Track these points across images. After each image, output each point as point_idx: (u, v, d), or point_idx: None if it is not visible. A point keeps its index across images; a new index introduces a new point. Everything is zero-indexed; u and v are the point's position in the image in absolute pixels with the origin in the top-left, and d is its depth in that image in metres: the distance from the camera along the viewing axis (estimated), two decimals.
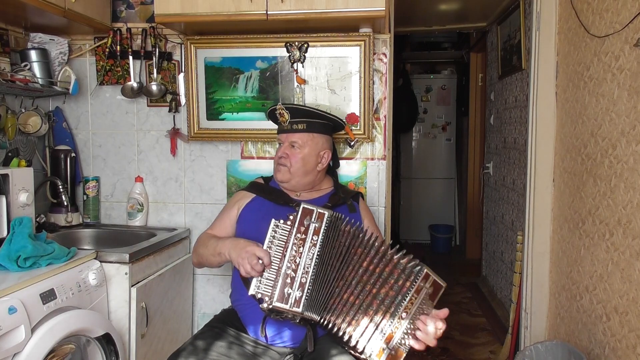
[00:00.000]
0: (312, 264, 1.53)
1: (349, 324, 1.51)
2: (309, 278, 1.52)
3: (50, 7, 1.94)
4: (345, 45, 2.25)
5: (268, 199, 1.87)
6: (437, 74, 6.03)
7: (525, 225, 2.69)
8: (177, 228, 2.40)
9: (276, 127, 2.33)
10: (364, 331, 1.50)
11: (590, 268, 2.11)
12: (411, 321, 1.48)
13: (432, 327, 1.46)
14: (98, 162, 2.51)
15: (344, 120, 2.14)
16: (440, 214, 5.95)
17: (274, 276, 1.54)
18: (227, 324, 1.77)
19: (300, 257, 1.54)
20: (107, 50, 2.40)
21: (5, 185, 1.82)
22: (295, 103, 2.09)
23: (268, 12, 2.01)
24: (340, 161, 2.36)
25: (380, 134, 2.35)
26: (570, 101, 2.35)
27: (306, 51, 2.28)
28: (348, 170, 2.36)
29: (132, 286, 1.91)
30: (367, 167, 2.36)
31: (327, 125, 1.93)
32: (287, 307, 1.51)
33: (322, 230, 1.56)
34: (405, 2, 3.10)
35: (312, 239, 1.55)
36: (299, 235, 1.56)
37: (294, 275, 1.53)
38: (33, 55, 2.17)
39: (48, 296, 1.58)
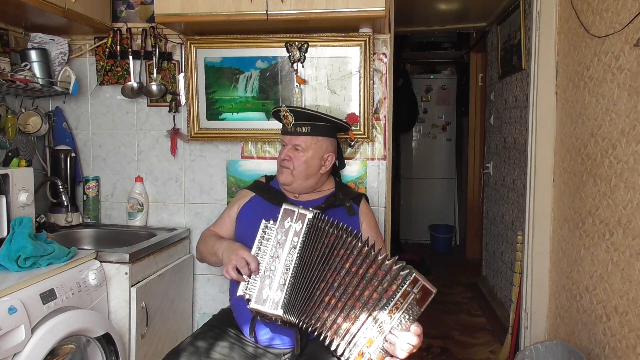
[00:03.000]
0: (292, 266, 1.52)
1: (330, 327, 1.49)
2: (287, 280, 1.51)
3: (50, 7, 1.94)
4: (345, 45, 2.25)
5: (265, 198, 1.88)
6: (437, 74, 6.03)
7: (525, 225, 2.69)
8: (177, 228, 2.40)
9: (275, 126, 2.35)
10: (345, 335, 1.47)
11: (590, 268, 2.11)
12: (394, 327, 1.44)
13: (402, 341, 1.43)
14: (98, 162, 2.51)
15: (348, 123, 2.12)
16: (440, 214, 5.95)
17: (259, 278, 1.54)
18: (226, 324, 1.77)
19: (279, 259, 1.53)
20: (107, 50, 2.40)
21: (5, 185, 1.82)
22: (299, 106, 2.06)
23: (268, 12, 2.01)
24: None
25: (380, 134, 2.35)
26: (570, 101, 2.35)
27: (306, 51, 2.28)
28: (348, 170, 2.36)
29: (132, 286, 1.91)
30: (367, 167, 2.36)
31: (332, 127, 1.92)
32: (264, 309, 1.50)
33: (302, 232, 1.54)
34: (405, 2, 3.10)
35: (292, 240, 1.54)
36: (279, 237, 1.55)
37: (273, 277, 1.52)
38: (33, 55, 2.17)
39: (48, 296, 1.58)
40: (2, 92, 2.15)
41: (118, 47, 2.36)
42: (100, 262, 1.87)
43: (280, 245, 1.55)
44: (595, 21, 2.07)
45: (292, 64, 2.29)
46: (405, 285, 1.45)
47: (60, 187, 2.26)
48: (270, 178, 2.01)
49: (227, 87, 2.35)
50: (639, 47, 1.73)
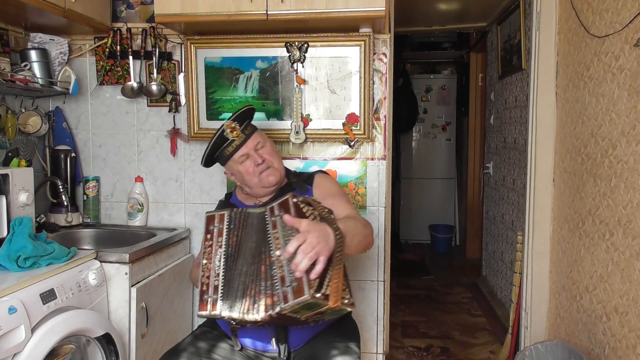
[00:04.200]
0: (221, 265, 1.51)
1: (253, 306, 1.42)
2: (220, 280, 1.50)
3: (50, 7, 1.94)
4: (345, 45, 2.25)
5: None
6: (437, 74, 6.03)
7: (525, 225, 2.69)
8: (177, 228, 2.40)
9: (275, 126, 2.35)
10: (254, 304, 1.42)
11: (590, 268, 2.12)
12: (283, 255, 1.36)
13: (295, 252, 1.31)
14: (98, 162, 2.51)
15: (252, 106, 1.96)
16: (440, 214, 5.95)
17: (200, 286, 1.54)
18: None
19: (211, 264, 1.53)
20: (107, 50, 2.40)
21: (5, 185, 1.82)
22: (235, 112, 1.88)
23: (268, 12, 2.01)
24: (341, 161, 2.36)
25: (380, 134, 2.35)
26: (570, 101, 2.35)
27: (306, 51, 2.28)
28: (348, 170, 2.36)
29: (132, 286, 1.91)
30: (367, 167, 2.36)
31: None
32: (207, 313, 1.48)
33: (224, 231, 1.55)
34: (405, 2, 3.10)
35: (217, 241, 1.55)
36: (207, 242, 1.56)
37: (208, 282, 1.51)
38: (33, 55, 2.17)
39: (48, 296, 1.58)
40: (2, 92, 2.15)
41: (118, 47, 2.36)
42: (100, 262, 1.87)
43: (210, 250, 1.56)
44: (595, 21, 2.07)
45: (292, 64, 2.29)
46: (269, 217, 1.43)
47: (60, 187, 2.26)
48: (229, 195, 1.98)
49: (227, 87, 2.35)
50: (639, 47, 1.73)
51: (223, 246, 1.53)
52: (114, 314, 1.90)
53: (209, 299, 1.48)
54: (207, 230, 1.57)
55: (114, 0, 2.39)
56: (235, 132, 1.75)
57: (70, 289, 1.68)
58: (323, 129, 2.32)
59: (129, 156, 2.49)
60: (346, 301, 1.40)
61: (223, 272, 1.50)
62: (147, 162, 2.48)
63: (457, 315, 3.70)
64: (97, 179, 2.48)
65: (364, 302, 2.41)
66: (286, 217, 1.36)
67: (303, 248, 1.28)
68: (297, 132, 2.32)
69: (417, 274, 4.75)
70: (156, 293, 2.07)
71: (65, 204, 2.29)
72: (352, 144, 2.31)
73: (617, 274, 1.88)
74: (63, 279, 1.67)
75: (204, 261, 1.54)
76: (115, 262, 1.89)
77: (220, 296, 1.47)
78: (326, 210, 1.48)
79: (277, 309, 1.33)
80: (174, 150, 2.44)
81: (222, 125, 1.76)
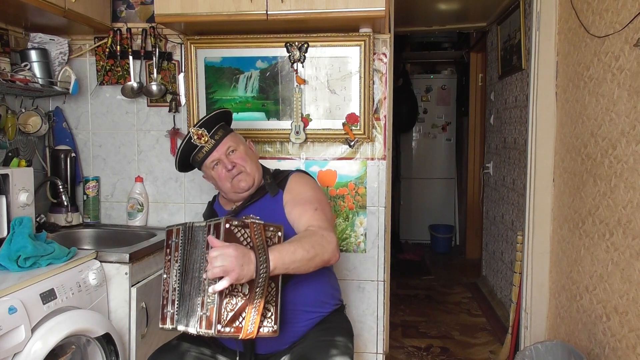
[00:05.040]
0: (177, 280, 1.52)
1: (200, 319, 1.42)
2: (176, 295, 1.51)
3: (50, 7, 1.94)
4: (345, 45, 2.25)
5: None
6: (437, 74, 6.02)
7: (525, 225, 2.69)
8: None
9: (275, 126, 2.35)
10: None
11: (590, 268, 2.12)
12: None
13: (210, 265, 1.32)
14: (98, 162, 2.51)
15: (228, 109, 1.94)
16: (440, 214, 5.95)
17: (161, 300, 1.55)
18: None
19: (169, 277, 1.54)
20: (107, 50, 2.40)
21: (5, 185, 1.82)
22: (200, 120, 1.84)
23: (268, 12, 2.01)
24: (341, 161, 2.37)
25: (380, 134, 2.35)
26: (570, 101, 2.35)
27: (306, 51, 2.28)
28: (348, 170, 2.36)
29: (132, 286, 1.91)
30: (367, 167, 2.36)
31: (227, 121, 1.85)
32: (166, 326, 1.50)
33: (179, 245, 1.54)
34: (405, 2, 3.10)
35: (174, 255, 1.55)
36: (166, 257, 1.56)
37: (167, 296, 1.53)
38: (33, 55, 2.17)
39: (48, 296, 1.58)
40: (2, 92, 2.15)
41: (118, 47, 2.36)
42: (100, 262, 1.87)
43: (168, 264, 1.56)
44: (595, 21, 2.07)
45: (292, 64, 2.29)
46: (207, 235, 1.41)
47: (60, 187, 2.25)
48: (213, 200, 1.96)
49: (227, 87, 2.35)
50: (639, 47, 1.73)
51: (179, 261, 1.54)
52: (114, 314, 1.90)
53: (167, 313, 1.51)
54: (167, 245, 1.57)
55: (114, 0, 2.39)
56: (203, 139, 1.72)
57: (70, 289, 1.68)
58: (323, 129, 2.32)
59: (129, 156, 2.49)
60: (266, 330, 1.43)
61: (178, 286, 1.51)
62: (147, 162, 2.48)
63: (457, 315, 3.70)
64: (97, 179, 2.48)
65: (364, 302, 2.41)
66: (210, 237, 1.36)
67: (211, 262, 1.29)
68: (297, 132, 2.32)
69: (417, 274, 4.75)
70: (156, 293, 2.07)
71: (65, 204, 2.29)
72: (352, 144, 2.31)
73: (617, 274, 1.88)
74: (63, 279, 1.67)
75: (164, 275, 1.56)
76: (115, 262, 1.89)
77: (176, 311, 1.49)
78: (268, 235, 1.43)
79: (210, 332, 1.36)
80: (174, 150, 2.44)
81: (189, 131, 1.74)
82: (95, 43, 2.43)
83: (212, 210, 1.89)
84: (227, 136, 1.76)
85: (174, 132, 2.42)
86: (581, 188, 2.21)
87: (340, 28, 2.19)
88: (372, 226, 2.37)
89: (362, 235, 2.38)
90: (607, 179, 1.97)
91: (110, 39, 2.37)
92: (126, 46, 2.38)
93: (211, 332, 1.35)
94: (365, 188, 2.36)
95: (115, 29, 2.37)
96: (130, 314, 1.91)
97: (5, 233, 1.79)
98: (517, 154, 3.28)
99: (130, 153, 2.49)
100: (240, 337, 1.38)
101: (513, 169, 3.40)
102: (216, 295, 1.34)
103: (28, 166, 2.21)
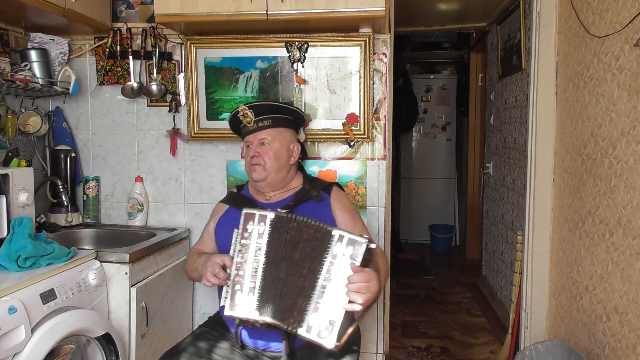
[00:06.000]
0: (260, 267, 1.51)
1: (301, 320, 1.45)
2: (257, 282, 1.50)
3: (50, 7, 1.94)
4: (345, 45, 2.25)
5: (237, 207, 1.82)
6: (437, 74, 6.03)
7: (525, 225, 2.69)
8: (177, 228, 2.40)
9: None
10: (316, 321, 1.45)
11: (590, 268, 2.12)
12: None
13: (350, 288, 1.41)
14: (98, 162, 2.51)
15: (306, 112, 2.06)
16: (440, 214, 5.95)
17: (231, 284, 1.54)
18: (223, 326, 1.76)
19: (247, 263, 1.53)
20: (107, 50, 2.40)
21: (5, 185, 1.82)
22: (256, 102, 2.01)
23: (268, 12, 2.01)
24: (341, 161, 2.36)
25: (380, 134, 2.35)
26: (570, 101, 2.35)
27: (306, 51, 2.28)
28: (348, 170, 2.36)
29: (132, 286, 1.91)
30: (367, 167, 2.36)
31: (291, 120, 1.93)
32: (238, 314, 1.49)
33: (265, 233, 1.53)
34: (405, 2, 3.10)
35: (256, 242, 1.53)
36: (243, 241, 1.55)
37: (243, 282, 1.51)
38: (33, 55, 2.17)
39: (48, 296, 1.58)
40: (2, 92, 2.15)
41: (118, 47, 2.36)
42: (100, 262, 1.87)
43: (245, 249, 1.54)
44: (595, 21, 2.07)
45: (292, 64, 2.29)
46: (334, 243, 1.46)
47: (60, 187, 2.26)
48: (241, 187, 2.00)
49: (227, 87, 2.35)
50: (639, 47, 1.73)
51: (263, 249, 1.52)
52: (114, 314, 1.90)
53: (243, 300, 1.49)
54: (244, 229, 1.55)
55: (114, 0, 2.39)
56: (247, 119, 1.85)
57: (70, 289, 1.68)
58: (323, 129, 2.32)
59: (129, 156, 2.49)
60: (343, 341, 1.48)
61: (262, 275, 1.50)
62: (147, 162, 2.48)
63: (457, 315, 3.70)
64: (97, 179, 2.48)
65: None
66: (352, 264, 1.42)
67: (357, 289, 1.39)
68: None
69: (417, 274, 4.75)
70: (156, 293, 2.07)
71: (65, 204, 2.29)
72: (352, 144, 2.31)
73: (617, 274, 1.88)
74: (63, 279, 1.67)
75: (238, 259, 1.54)
76: (115, 262, 1.89)
77: (258, 299, 1.49)
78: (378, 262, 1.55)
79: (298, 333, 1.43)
80: (174, 150, 2.44)
81: (239, 106, 1.89)
82: (95, 43, 2.43)
83: (240, 197, 1.92)
84: (270, 129, 1.84)
85: (174, 132, 2.42)
86: (581, 188, 2.21)
87: (340, 28, 2.19)
88: (372, 226, 2.37)
89: None
90: (607, 179, 1.97)
91: (110, 39, 2.37)
92: (126, 46, 2.38)
93: (331, 345, 1.40)
94: (365, 188, 2.36)
95: (115, 29, 2.37)
96: (130, 314, 1.91)
97: (5, 233, 1.79)
98: (517, 154, 3.28)
99: (130, 153, 2.49)
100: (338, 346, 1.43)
101: (513, 169, 3.40)
102: (344, 311, 1.41)
103: (28, 166, 2.21)
